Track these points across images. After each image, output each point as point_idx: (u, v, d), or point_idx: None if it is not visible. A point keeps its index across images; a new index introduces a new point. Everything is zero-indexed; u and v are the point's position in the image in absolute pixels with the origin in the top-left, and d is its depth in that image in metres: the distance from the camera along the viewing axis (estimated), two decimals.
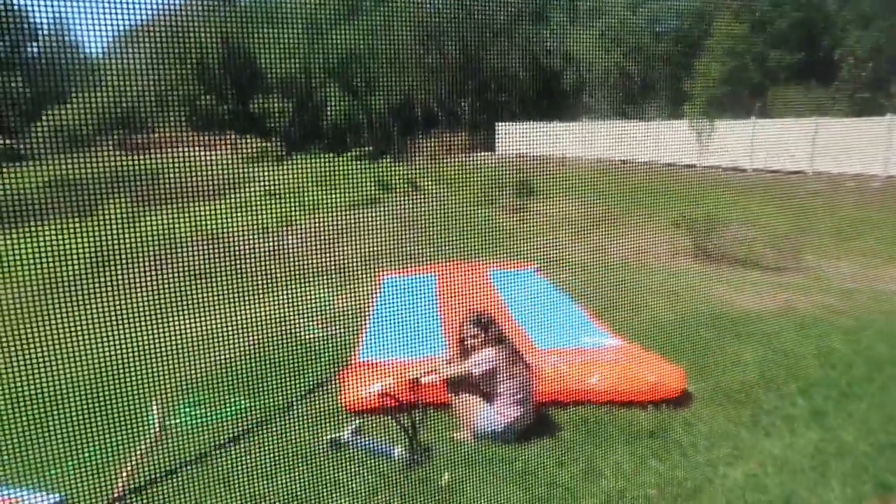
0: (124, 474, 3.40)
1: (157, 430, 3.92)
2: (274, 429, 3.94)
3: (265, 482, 3.34)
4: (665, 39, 20.61)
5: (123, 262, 7.50)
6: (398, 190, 14.31)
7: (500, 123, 20.64)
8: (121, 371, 4.61)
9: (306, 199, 11.28)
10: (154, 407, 4.18)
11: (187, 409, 4.20)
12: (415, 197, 13.47)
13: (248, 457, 3.63)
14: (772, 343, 5.27)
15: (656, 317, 6.03)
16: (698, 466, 3.44)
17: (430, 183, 14.96)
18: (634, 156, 16.32)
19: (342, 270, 6.35)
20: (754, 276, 7.66)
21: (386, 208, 10.78)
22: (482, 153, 19.52)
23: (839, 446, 3.60)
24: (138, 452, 3.64)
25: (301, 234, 9.52)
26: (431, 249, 8.35)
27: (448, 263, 6.65)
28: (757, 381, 4.50)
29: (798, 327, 5.66)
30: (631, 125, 17.28)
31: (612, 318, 5.72)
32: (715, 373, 4.65)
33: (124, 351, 4.72)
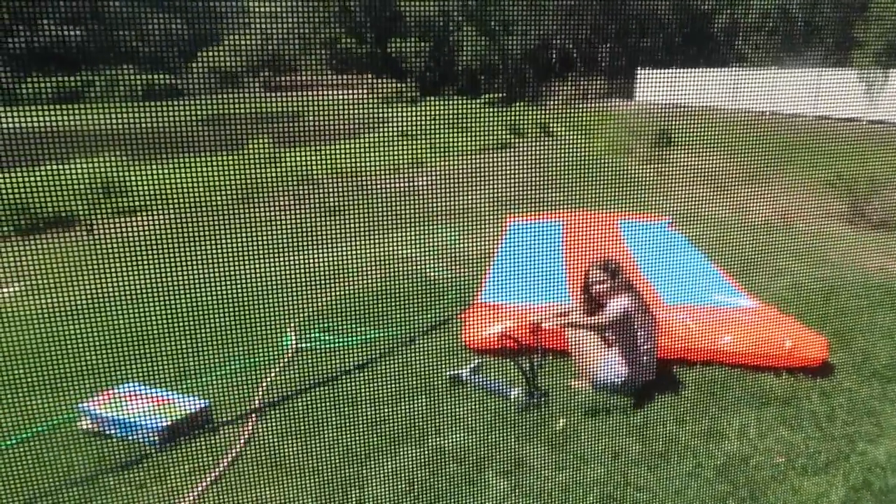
0: (262, 389, 3.69)
1: (292, 351, 4.20)
2: (398, 360, 4.10)
3: (387, 408, 3.50)
4: None
5: (265, 195, 7.98)
6: (530, 135, 14.10)
7: (640, 70, 19.68)
8: (262, 297, 4.97)
9: (438, 141, 11.39)
10: (290, 331, 4.48)
11: (319, 335, 4.47)
12: (547, 143, 13.22)
13: (372, 383, 3.82)
14: None
15: (801, 282, 5.62)
16: (834, 439, 3.22)
17: (563, 129, 14.60)
18: (787, 107, 15.00)
19: (470, 213, 6.41)
20: None
21: (517, 153, 10.68)
22: (620, 100, 18.74)
23: None
24: (275, 370, 3.93)
25: (432, 175, 9.65)
26: (560, 196, 8.20)
27: (576, 211, 6.50)
28: None
29: None
30: (788, 74, 15.78)
31: (750, 280, 5.39)
32: (862, 345, 4.29)
33: (265, 279, 5.07)
